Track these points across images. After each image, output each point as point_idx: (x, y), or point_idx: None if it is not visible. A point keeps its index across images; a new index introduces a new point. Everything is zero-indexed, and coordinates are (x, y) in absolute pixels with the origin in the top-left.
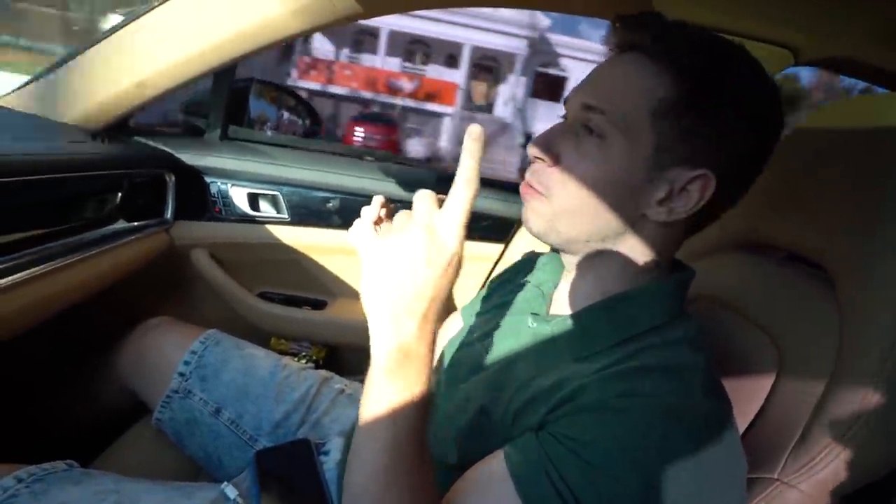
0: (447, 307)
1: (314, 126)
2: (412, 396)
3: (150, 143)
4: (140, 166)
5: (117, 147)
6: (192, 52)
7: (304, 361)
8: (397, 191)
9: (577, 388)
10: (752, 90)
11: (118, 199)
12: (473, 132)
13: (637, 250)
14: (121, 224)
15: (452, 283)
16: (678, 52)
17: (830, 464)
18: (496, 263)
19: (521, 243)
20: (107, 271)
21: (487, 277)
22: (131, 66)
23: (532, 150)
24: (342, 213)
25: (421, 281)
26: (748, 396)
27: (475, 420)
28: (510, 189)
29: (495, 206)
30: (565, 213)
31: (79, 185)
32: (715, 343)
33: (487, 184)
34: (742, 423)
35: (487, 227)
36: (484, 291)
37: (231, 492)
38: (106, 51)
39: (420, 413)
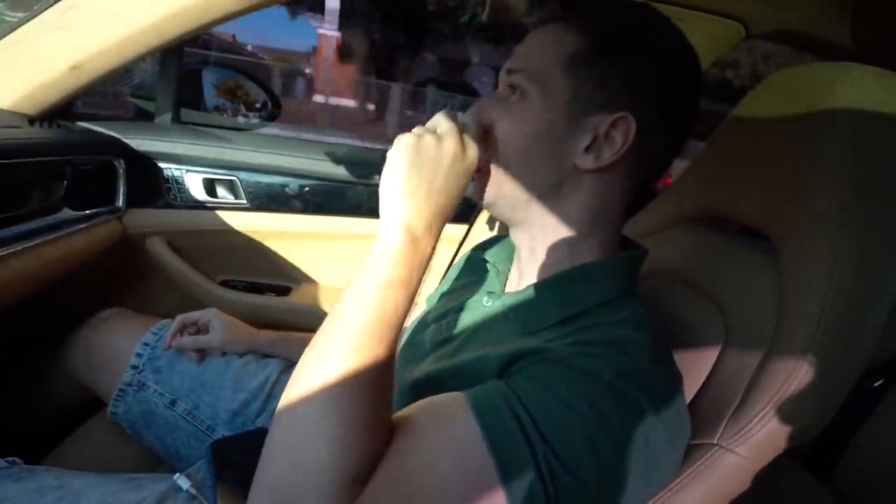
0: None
1: (273, 108)
2: (406, 279)
3: (96, 128)
4: (85, 152)
5: (58, 132)
6: (131, 31)
7: None
8: (356, 173)
9: (536, 347)
10: (662, 38)
11: (63, 188)
12: None
13: (577, 212)
14: (67, 213)
15: (464, 190)
16: (586, 13)
17: (764, 427)
18: (460, 245)
19: (485, 224)
20: (54, 262)
21: (452, 259)
22: (65, 47)
23: (470, 122)
24: (302, 197)
25: (445, 176)
26: (696, 366)
27: (427, 391)
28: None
29: None
30: (507, 170)
31: (16, 172)
32: (667, 316)
33: None
34: (690, 391)
35: None
36: (445, 275)
37: (184, 483)
38: (36, 30)
39: (408, 297)
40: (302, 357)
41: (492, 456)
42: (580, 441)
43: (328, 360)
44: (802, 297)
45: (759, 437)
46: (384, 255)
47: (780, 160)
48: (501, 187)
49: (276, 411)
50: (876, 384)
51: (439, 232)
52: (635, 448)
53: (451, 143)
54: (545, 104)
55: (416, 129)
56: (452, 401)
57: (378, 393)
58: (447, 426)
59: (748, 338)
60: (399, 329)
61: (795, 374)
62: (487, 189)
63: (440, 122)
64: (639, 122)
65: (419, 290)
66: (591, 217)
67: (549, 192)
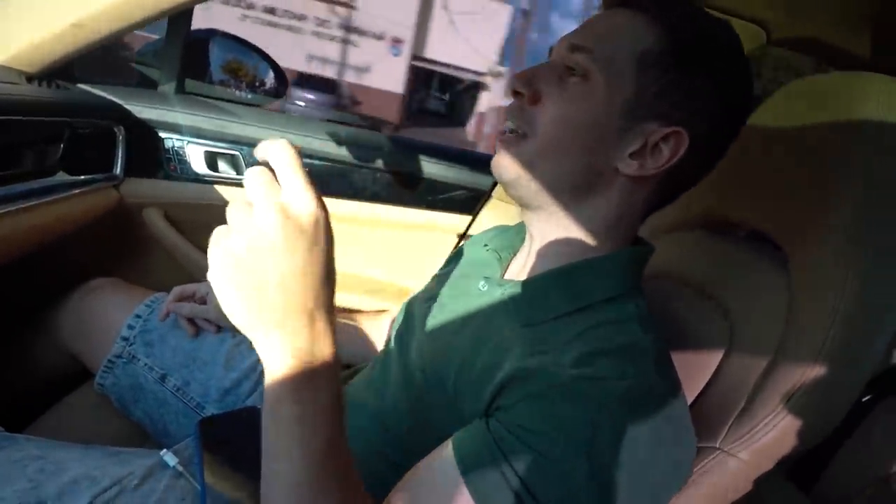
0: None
1: (279, 86)
2: (325, 406)
3: (96, 91)
4: (84, 116)
5: (57, 92)
6: None
7: None
8: (360, 156)
9: (526, 369)
10: (730, 61)
11: (59, 150)
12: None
13: (602, 212)
14: (62, 177)
15: (330, 252)
16: (669, 12)
17: (769, 433)
18: (463, 235)
19: (488, 216)
20: (46, 226)
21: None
22: (68, 3)
23: (514, 84)
24: (308, 176)
25: (294, 271)
26: (699, 369)
27: (420, 383)
28: (479, 161)
29: (464, 177)
30: (545, 152)
31: (10, 130)
32: (671, 318)
33: (457, 155)
34: (692, 394)
35: (456, 199)
36: (446, 261)
37: (171, 459)
38: None
39: (337, 421)
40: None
41: None
42: (581, 496)
43: None
44: (812, 308)
45: (764, 443)
46: (272, 392)
47: (797, 169)
48: (530, 168)
49: None
50: (864, 399)
51: (329, 315)
52: (641, 491)
53: (270, 221)
54: (607, 96)
55: (220, 230)
56: (444, 468)
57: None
58: (439, 496)
59: (754, 342)
60: (340, 450)
61: (802, 383)
62: (510, 164)
63: (248, 191)
64: (690, 140)
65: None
66: (614, 219)
67: (580, 187)
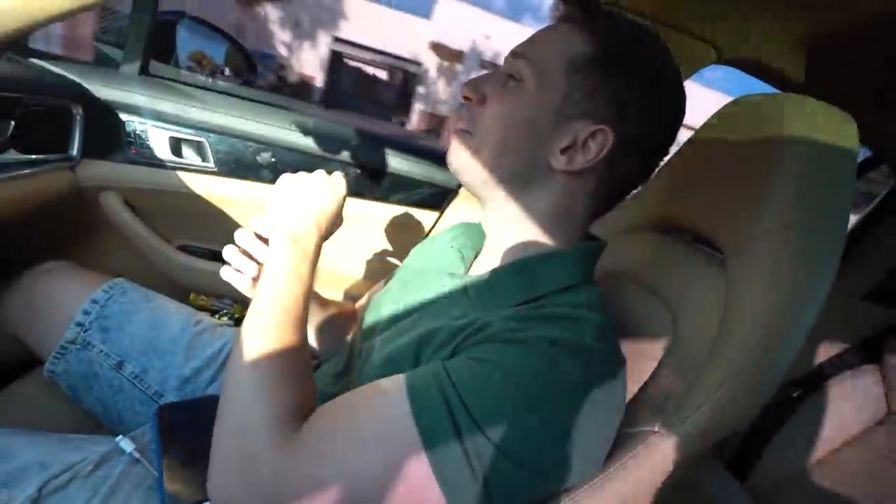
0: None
1: (249, 73)
2: (296, 271)
3: (53, 68)
4: (38, 92)
5: (8, 66)
6: None
7: (224, 319)
8: (327, 147)
9: (483, 323)
10: (656, 68)
11: (10, 127)
12: None
13: (544, 204)
14: (13, 155)
15: (338, 211)
16: (600, 23)
17: (701, 418)
18: (430, 230)
19: (456, 212)
20: None
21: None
22: None
23: (463, 90)
24: (273, 167)
25: (319, 200)
26: (645, 358)
27: (382, 369)
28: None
29: (433, 173)
30: (485, 147)
31: None
32: (622, 312)
33: (426, 153)
34: (636, 384)
35: (424, 195)
36: (410, 256)
37: (127, 445)
38: None
39: (302, 287)
40: (235, 341)
41: (419, 435)
42: (507, 419)
43: (248, 342)
44: (741, 308)
45: (695, 426)
46: (275, 253)
47: (736, 178)
48: (473, 160)
49: (222, 383)
50: (795, 395)
51: (321, 236)
52: (564, 425)
53: (319, 174)
54: (538, 98)
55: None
56: (390, 382)
57: (289, 359)
58: (379, 404)
59: (694, 335)
60: (301, 312)
61: (731, 370)
62: (457, 156)
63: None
64: (616, 138)
65: (312, 280)
66: (556, 214)
67: (518, 180)
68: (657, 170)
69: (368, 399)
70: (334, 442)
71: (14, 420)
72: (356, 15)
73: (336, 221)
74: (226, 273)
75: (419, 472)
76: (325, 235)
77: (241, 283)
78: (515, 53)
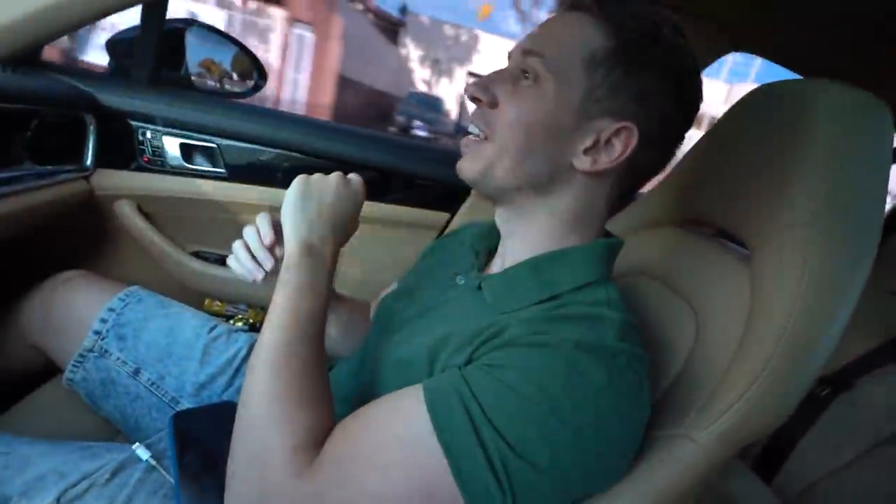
0: (348, 233)
1: (259, 80)
2: (312, 284)
3: (66, 79)
4: (53, 104)
5: (23, 79)
6: None
7: (239, 324)
8: (340, 153)
9: (501, 328)
10: (677, 58)
11: (26, 140)
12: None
13: (564, 206)
14: (29, 167)
15: (355, 214)
16: (618, 13)
17: (729, 420)
18: (441, 231)
19: (468, 213)
20: (12, 217)
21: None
22: None
23: (470, 90)
24: (285, 172)
25: (332, 200)
26: (669, 360)
27: (396, 371)
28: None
29: (444, 174)
30: (506, 154)
31: None
32: (643, 311)
33: (438, 154)
34: (662, 385)
35: (435, 196)
36: (422, 257)
37: (143, 453)
38: None
39: (318, 300)
40: (250, 358)
41: (443, 454)
42: (532, 430)
43: (262, 362)
44: (771, 305)
45: (724, 429)
46: (289, 264)
47: (761, 169)
48: (492, 168)
49: (238, 405)
50: (823, 393)
51: (337, 243)
52: (591, 433)
53: (334, 176)
54: (558, 98)
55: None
56: (410, 399)
57: (306, 378)
58: (399, 423)
59: (719, 335)
60: (317, 327)
61: (760, 377)
62: (474, 165)
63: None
64: (640, 134)
65: (328, 291)
66: (575, 214)
67: (539, 184)
68: (677, 163)
69: (388, 418)
70: (355, 466)
71: (35, 429)
72: (486, 49)
73: (353, 226)
74: (232, 262)
75: (445, 492)
76: (342, 242)
77: (246, 276)
78: (527, 51)
